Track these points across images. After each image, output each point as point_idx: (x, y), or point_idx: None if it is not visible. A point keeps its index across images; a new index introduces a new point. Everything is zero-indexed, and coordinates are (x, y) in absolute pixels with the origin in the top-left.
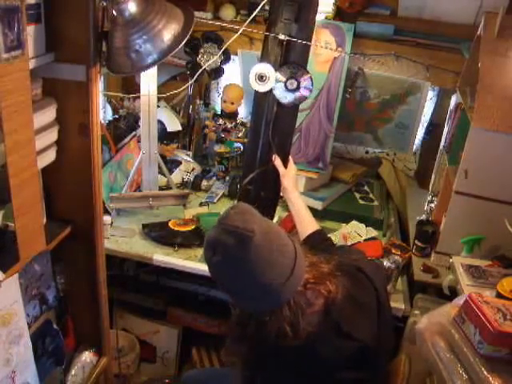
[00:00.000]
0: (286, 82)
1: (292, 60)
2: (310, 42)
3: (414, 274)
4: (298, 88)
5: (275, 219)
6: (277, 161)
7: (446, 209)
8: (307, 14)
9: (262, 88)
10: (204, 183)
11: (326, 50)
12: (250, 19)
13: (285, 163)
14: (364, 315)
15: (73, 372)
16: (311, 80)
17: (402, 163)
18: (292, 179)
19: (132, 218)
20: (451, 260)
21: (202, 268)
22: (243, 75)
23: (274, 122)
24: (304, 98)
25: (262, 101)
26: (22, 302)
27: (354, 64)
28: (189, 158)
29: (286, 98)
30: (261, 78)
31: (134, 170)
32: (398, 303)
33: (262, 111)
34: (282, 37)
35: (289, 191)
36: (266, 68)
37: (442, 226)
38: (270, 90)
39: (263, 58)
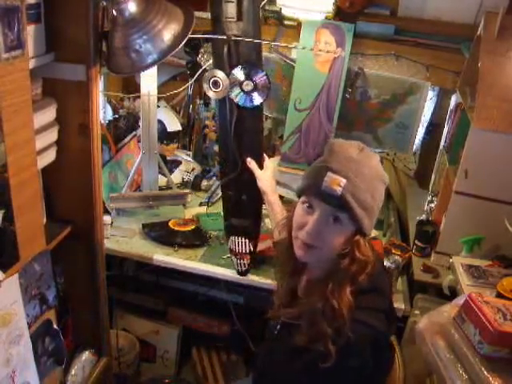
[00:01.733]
0: (241, 84)
1: (244, 59)
2: (259, 38)
3: (414, 273)
4: (255, 88)
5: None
6: (252, 164)
7: (445, 209)
8: (251, 10)
9: (218, 95)
10: (204, 183)
11: (324, 50)
12: None
13: (260, 163)
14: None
15: (73, 372)
16: (267, 78)
17: (402, 163)
18: (268, 181)
19: (132, 218)
20: (451, 260)
21: (202, 268)
22: None
23: (239, 125)
24: (263, 98)
25: (222, 105)
26: (22, 302)
27: (353, 64)
28: (189, 158)
29: (244, 100)
30: (215, 84)
31: (134, 169)
32: (398, 303)
33: (223, 116)
34: (225, 37)
35: (267, 194)
36: (218, 73)
37: (442, 226)
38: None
39: (215, 61)
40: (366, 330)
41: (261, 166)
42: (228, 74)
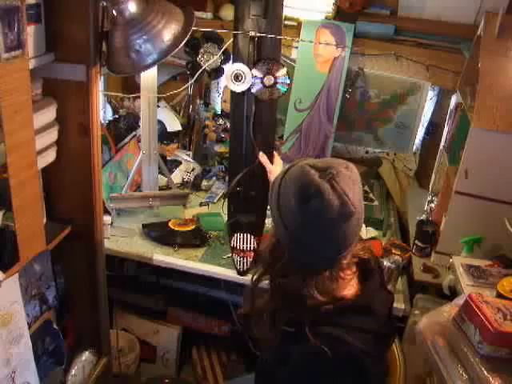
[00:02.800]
0: (262, 79)
1: (265, 55)
2: (281, 35)
3: (414, 273)
4: (275, 83)
5: None
6: (263, 158)
7: (446, 209)
8: (275, 9)
9: (239, 88)
10: (204, 183)
11: (326, 50)
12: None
13: (270, 159)
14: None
15: (73, 372)
16: (287, 73)
17: (402, 163)
18: None
19: (132, 218)
20: (451, 260)
21: (202, 268)
22: None
23: (254, 119)
24: (283, 93)
25: (239, 100)
26: (22, 301)
27: (353, 64)
28: (189, 158)
29: (264, 94)
30: (236, 77)
31: (134, 169)
32: (398, 303)
33: (240, 110)
34: (252, 33)
35: None
36: (242, 67)
37: (442, 226)
38: (247, 89)
39: (236, 56)
40: (343, 347)
41: (271, 161)
42: (251, 69)
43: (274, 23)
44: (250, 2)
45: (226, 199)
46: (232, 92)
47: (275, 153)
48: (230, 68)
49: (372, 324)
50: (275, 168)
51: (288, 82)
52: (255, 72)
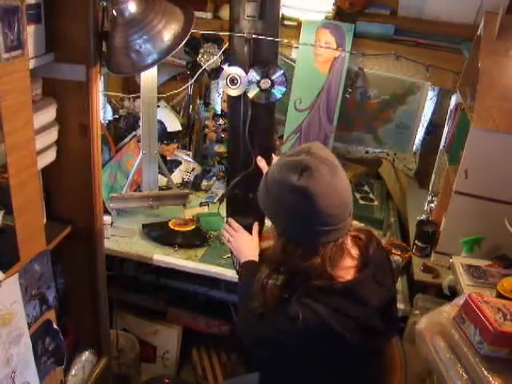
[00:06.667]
0: (259, 82)
1: (261, 58)
2: (277, 37)
3: (414, 273)
4: (272, 86)
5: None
6: (262, 163)
7: (446, 209)
8: (272, 10)
9: (235, 92)
10: (204, 183)
11: (326, 50)
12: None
13: (269, 162)
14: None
15: (73, 372)
16: (285, 76)
17: (402, 163)
18: None
19: (132, 218)
20: (451, 260)
21: (202, 268)
22: None
23: (252, 122)
24: (280, 96)
25: (235, 103)
26: (22, 301)
27: (353, 64)
28: (189, 158)
29: (260, 97)
30: (232, 81)
31: (134, 169)
32: (398, 303)
33: (237, 113)
34: (247, 35)
35: None
36: (237, 71)
37: (441, 226)
38: (243, 92)
39: (232, 59)
40: (315, 317)
41: (269, 165)
42: (246, 72)
43: (271, 24)
44: (245, 2)
45: (224, 202)
46: (228, 95)
47: (274, 156)
48: (226, 71)
49: (355, 311)
50: None
51: (285, 83)
52: (251, 75)
